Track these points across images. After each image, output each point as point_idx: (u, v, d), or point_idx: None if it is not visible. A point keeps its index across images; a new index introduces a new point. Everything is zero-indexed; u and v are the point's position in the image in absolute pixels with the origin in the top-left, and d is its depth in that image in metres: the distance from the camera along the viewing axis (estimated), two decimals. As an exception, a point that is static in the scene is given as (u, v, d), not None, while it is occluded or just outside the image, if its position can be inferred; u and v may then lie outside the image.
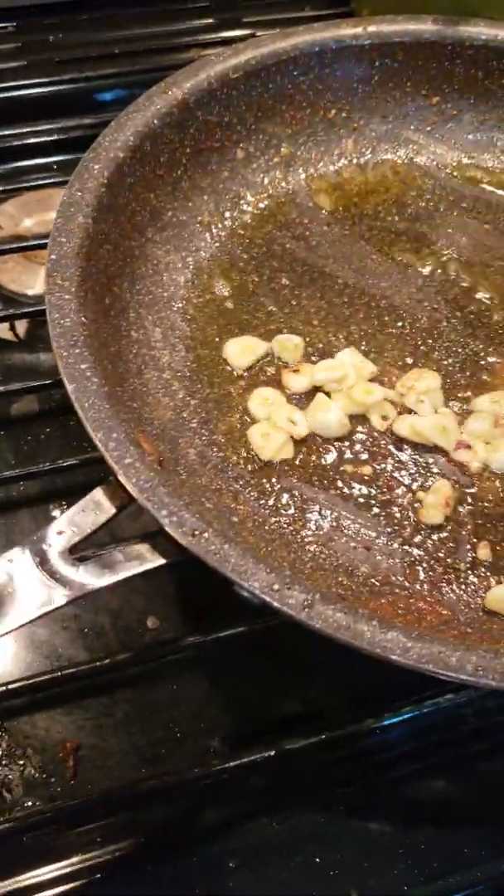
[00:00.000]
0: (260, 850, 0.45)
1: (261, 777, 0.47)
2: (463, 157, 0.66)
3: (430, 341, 0.56)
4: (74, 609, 0.51)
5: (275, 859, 0.45)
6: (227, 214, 0.61)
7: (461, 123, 0.66)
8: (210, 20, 0.87)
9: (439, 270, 0.60)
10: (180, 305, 0.56)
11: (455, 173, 0.66)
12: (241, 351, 0.54)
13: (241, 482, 0.49)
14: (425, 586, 0.46)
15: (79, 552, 0.39)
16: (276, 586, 0.37)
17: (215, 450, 0.50)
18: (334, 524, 0.48)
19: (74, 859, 0.44)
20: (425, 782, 0.48)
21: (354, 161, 0.66)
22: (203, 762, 0.46)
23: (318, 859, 0.45)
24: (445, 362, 0.55)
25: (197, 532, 0.38)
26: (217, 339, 0.55)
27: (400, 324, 0.57)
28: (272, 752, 0.46)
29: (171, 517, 0.38)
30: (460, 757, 0.48)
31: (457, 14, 0.64)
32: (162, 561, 0.38)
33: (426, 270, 0.60)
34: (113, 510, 0.40)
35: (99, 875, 0.43)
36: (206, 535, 0.38)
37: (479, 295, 0.59)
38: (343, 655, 0.37)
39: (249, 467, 0.50)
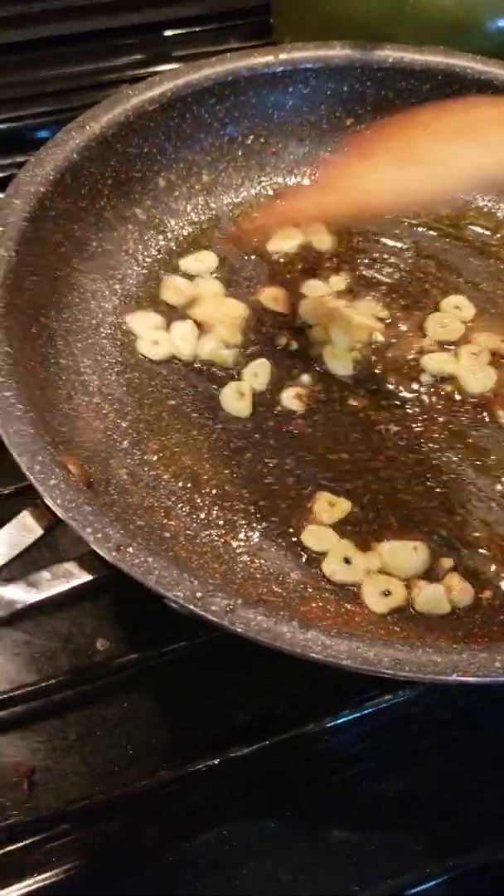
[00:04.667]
0: (214, 859, 0.46)
1: (210, 787, 0.47)
2: (379, 175, 0.69)
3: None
4: (25, 635, 0.52)
5: (228, 868, 0.46)
6: (152, 242, 0.63)
7: (375, 143, 0.69)
8: (140, 56, 0.89)
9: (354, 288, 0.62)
10: (109, 332, 0.58)
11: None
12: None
13: (172, 498, 0.51)
14: (351, 589, 0.48)
15: (10, 573, 0.41)
16: (199, 594, 0.38)
17: (147, 469, 0.52)
18: (264, 534, 0.50)
19: (29, 881, 0.44)
20: (373, 783, 0.49)
21: (275, 184, 0.68)
22: (154, 775, 0.47)
23: (269, 866, 0.46)
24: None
25: (122, 546, 0.39)
26: (148, 364, 0.57)
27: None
28: (216, 761, 0.47)
29: (96, 533, 0.39)
30: (407, 756, 0.49)
31: (373, 39, 0.67)
32: (88, 577, 0.40)
33: (342, 286, 0.62)
34: (40, 531, 0.41)
35: (55, 894, 0.44)
36: (130, 549, 0.39)
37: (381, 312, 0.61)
38: (290, 663, 0.38)
39: (181, 483, 0.51)
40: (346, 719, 0.49)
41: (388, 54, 0.66)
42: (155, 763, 0.48)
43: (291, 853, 0.46)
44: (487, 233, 0.66)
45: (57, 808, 0.46)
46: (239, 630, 0.38)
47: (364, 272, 0.64)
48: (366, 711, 0.49)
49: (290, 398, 0.55)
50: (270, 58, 0.65)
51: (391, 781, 0.49)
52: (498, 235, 0.66)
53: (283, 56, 0.65)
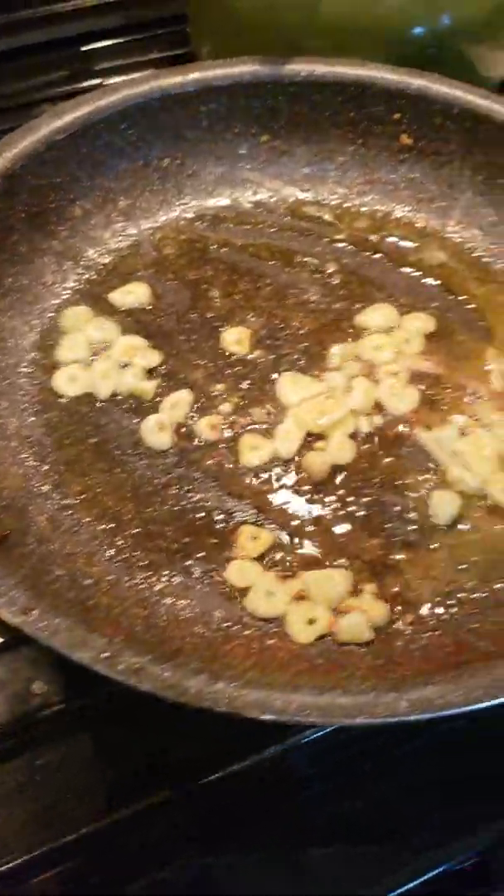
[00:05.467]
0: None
1: (158, 825, 0.48)
2: (298, 191, 0.68)
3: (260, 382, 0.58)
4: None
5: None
6: (71, 273, 0.63)
7: (294, 158, 0.68)
8: (63, 73, 0.88)
9: (264, 317, 0.62)
10: (27, 370, 0.57)
11: (292, 209, 0.68)
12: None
13: (94, 542, 0.51)
14: (275, 624, 0.48)
15: None
16: (105, 654, 0.38)
17: (68, 512, 0.52)
18: (187, 573, 0.50)
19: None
20: (317, 808, 0.49)
21: (194, 206, 0.67)
22: (97, 819, 0.47)
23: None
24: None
25: (28, 609, 0.39)
26: (66, 401, 0.57)
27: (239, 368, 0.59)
28: (161, 799, 0.47)
29: (2, 597, 0.39)
30: (349, 780, 0.50)
31: (285, 51, 0.66)
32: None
33: (258, 316, 0.62)
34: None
35: None
36: (35, 611, 0.39)
37: (293, 330, 0.61)
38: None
39: (103, 526, 0.51)
40: (286, 747, 0.49)
41: (299, 68, 0.65)
42: (98, 806, 0.49)
43: (237, 887, 0.47)
44: (407, 244, 0.66)
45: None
46: (145, 689, 0.38)
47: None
48: (313, 736, 0.49)
49: (204, 428, 0.55)
50: (179, 78, 0.64)
51: (335, 804, 0.50)
52: (416, 246, 0.66)
53: (192, 76, 0.64)
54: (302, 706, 0.38)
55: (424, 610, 0.49)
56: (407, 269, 0.65)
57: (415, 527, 0.52)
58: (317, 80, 0.66)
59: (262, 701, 0.38)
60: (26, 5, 0.89)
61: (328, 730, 0.49)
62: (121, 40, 0.89)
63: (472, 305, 0.63)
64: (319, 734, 0.49)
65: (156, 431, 0.55)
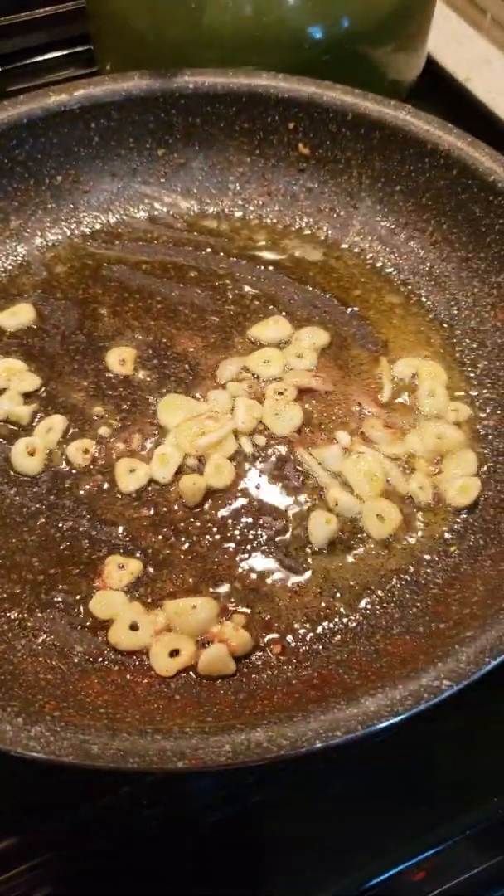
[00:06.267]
0: None
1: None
2: (196, 204, 0.67)
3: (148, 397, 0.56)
4: None
5: None
6: (-44, 295, 0.61)
7: (191, 171, 0.67)
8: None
9: (152, 336, 0.60)
10: None
11: (190, 223, 0.66)
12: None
13: (-47, 575, 0.49)
14: (137, 657, 0.46)
15: None
16: None
17: None
18: (49, 605, 0.48)
19: None
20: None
21: (88, 224, 0.66)
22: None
23: None
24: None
25: None
26: None
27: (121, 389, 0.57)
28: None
29: None
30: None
31: (183, 63, 0.65)
32: None
33: (146, 335, 0.60)
34: None
35: None
36: None
37: (182, 348, 0.59)
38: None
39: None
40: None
41: (189, 80, 0.64)
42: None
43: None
44: (306, 257, 0.64)
45: None
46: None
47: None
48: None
49: (75, 452, 0.53)
50: (65, 96, 0.63)
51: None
52: (315, 258, 0.64)
53: (78, 93, 0.63)
54: (119, 751, 0.36)
55: (293, 640, 0.47)
56: (303, 284, 0.63)
57: (291, 550, 0.50)
58: (207, 92, 0.64)
59: (80, 746, 0.36)
60: None
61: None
62: (30, 61, 0.87)
63: (369, 319, 0.61)
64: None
65: (25, 455, 0.53)
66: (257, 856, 0.46)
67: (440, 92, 0.81)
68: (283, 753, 0.35)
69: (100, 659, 0.46)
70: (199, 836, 0.46)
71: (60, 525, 0.51)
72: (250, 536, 0.51)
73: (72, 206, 0.66)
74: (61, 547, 0.51)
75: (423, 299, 0.61)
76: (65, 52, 0.85)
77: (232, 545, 0.50)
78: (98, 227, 0.66)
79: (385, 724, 0.37)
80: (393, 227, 0.64)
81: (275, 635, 0.47)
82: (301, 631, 0.47)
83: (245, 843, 0.46)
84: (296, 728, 0.36)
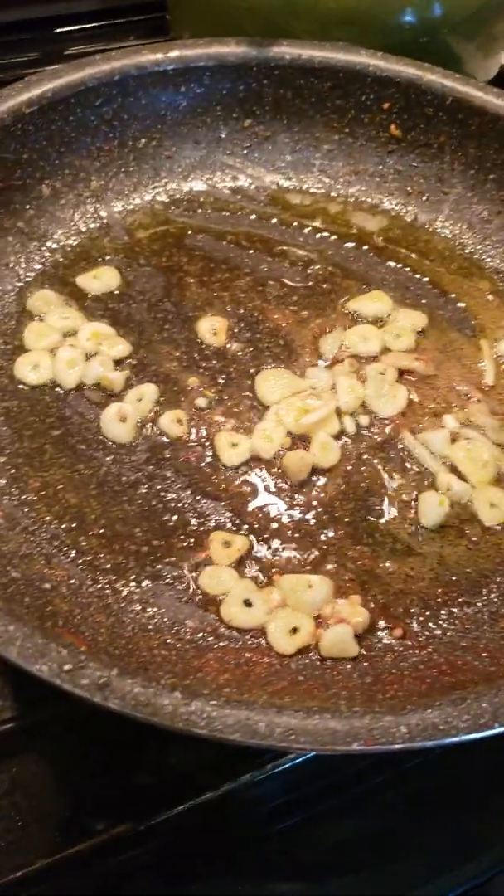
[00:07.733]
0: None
1: (118, 858, 0.43)
2: (281, 179, 0.65)
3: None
4: None
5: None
6: (36, 255, 0.58)
7: (276, 144, 0.65)
8: (34, 54, 0.84)
9: (243, 309, 0.58)
10: (-13, 356, 0.53)
11: (274, 197, 0.64)
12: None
13: (55, 543, 0.46)
14: (252, 636, 0.44)
15: None
16: (67, 667, 0.34)
17: (26, 510, 0.47)
18: (157, 578, 0.45)
19: None
20: (303, 835, 0.45)
21: (170, 190, 0.63)
22: (48, 853, 0.42)
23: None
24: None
25: (-22, 615, 0.34)
26: (29, 390, 0.52)
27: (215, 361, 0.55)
28: (122, 829, 0.42)
29: None
30: (334, 805, 0.46)
31: (271, 35, 0.63)
32: None
33: (236, 307, 0.58)
34: None
35: None
36: (-13, 617, 0.34)
37: (273, 323, 0.57)
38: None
39: (64, 525, 0.47)
40: (265, 775, 0.45)
41: (286, 51, 0.62)
42: (52, 837, 0.44)
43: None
44: (394, 238, 0.63)
45: None
46: (113, 706, 0.33)
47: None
48: (287, 765, 0.45)
49: (169, 423, 0.51)
50: (160, 55, 0.60)
51: (321, 831, 0.45)
52: (405, 240, 0.63)
53: (173, 54, 0.61)
54: (288, 730, 0.33)
55: (414, 624, 0.45)
56: (394, 264, 0.61)
57: (402, 534, 0.48)
58: (303, 65, 0.62)
59: (245, 723, 0.33)
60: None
61: (308, 756, 0.45)
62: (94, 25, 0.85)
63: (463, 303, 0.59)
64: (300, 760, 0.44)
65: (116, 422, 0.50)
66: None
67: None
68: (460, 737, 0.34)
69: (213, 636, 0.44)
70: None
71: (163, 496, 0.49)
72: (357, 518, 0.49)
73: (153, 170, 0.64)
74: (164, 518, 0.48)
75: (517, 287, 0.61)
76: (132, 19, 0.82)
77: (339, 526, 0.49)
78: (179, 194, 0.64)
79: None
80: (485, 214, 0.63)
81: (392, 620, 0.46)
82: (419, 616, 0.46)
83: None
84: (469, 709, 0.35)
